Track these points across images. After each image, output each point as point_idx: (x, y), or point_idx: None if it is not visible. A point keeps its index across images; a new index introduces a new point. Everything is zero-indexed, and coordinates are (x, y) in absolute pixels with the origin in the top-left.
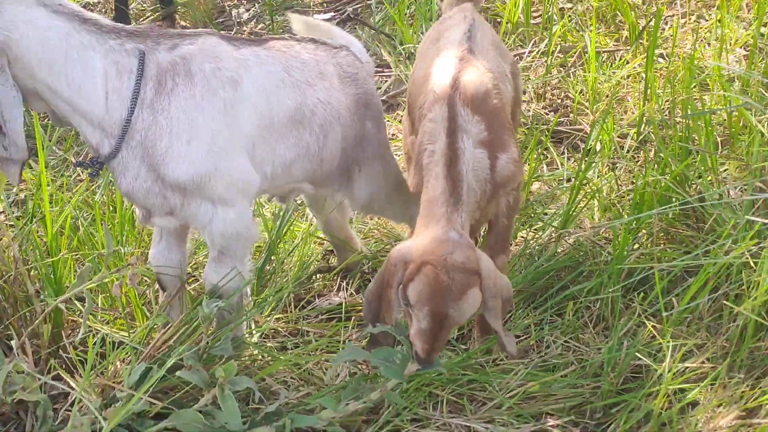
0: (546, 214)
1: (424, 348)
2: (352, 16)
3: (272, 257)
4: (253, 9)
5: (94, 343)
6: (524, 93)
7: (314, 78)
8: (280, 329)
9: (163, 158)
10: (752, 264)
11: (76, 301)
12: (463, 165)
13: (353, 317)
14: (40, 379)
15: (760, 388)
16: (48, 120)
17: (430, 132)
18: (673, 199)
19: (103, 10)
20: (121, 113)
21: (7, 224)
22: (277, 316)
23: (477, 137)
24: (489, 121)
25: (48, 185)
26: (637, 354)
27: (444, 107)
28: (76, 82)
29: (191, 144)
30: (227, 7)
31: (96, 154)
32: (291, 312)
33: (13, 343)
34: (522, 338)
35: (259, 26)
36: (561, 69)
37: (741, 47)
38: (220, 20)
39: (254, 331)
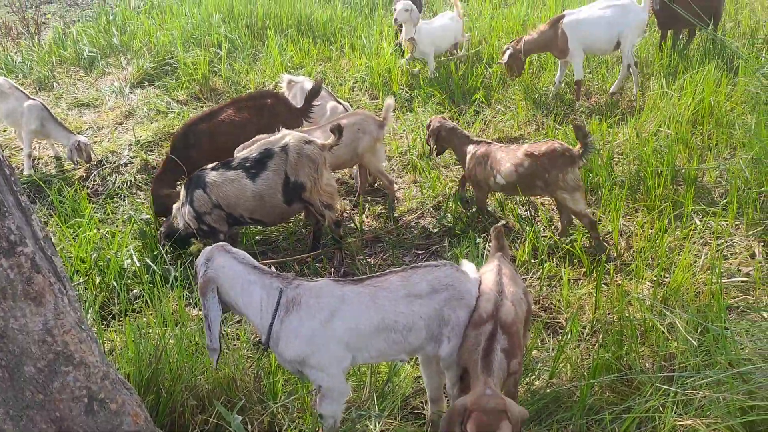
0: (538, 370)
1: None
2: (435, 251)
3: (388, 383)
4: (379, 251)
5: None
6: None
7: (398, 299)
8: (390, 427)
9: (280, 347)
10: (661, 409)
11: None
12: (494, 358)
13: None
14: None
15: None
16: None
17: (477, 338)
18: (614, 368)
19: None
20: (267, 321)
21: (249, 359)
22: (388, 420)
23: (502, 346)
24: (510, 338)
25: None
26: None
27: (490, 326)
28: (246, 302)
29: (295, 340)
30: (369, 243)
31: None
32: (398, 417)
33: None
34: None
35: (383, 257)
36: (547, 288)
37: (648, 282)
38: (366, 251)
39: (378, 425)
